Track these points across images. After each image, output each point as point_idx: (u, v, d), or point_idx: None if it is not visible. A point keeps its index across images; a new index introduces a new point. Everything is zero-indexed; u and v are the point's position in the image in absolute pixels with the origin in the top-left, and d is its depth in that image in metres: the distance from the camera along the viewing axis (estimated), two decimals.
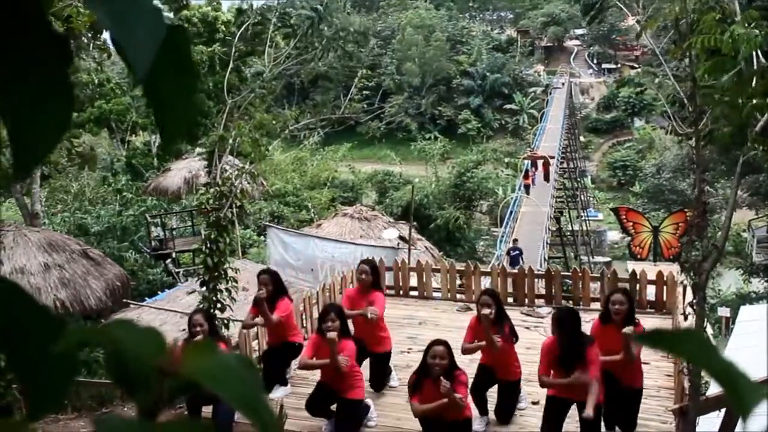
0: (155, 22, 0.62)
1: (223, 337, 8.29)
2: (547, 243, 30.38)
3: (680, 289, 10.39)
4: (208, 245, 9.96)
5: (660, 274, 11.39)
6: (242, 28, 11.56)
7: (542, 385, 6.78)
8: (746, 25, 4.35)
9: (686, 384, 5.77)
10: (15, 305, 0.61)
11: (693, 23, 4.82)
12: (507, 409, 7.86)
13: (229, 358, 0.57)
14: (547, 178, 36.65)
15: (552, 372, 6.58)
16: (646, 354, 9.39)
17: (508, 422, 7.83)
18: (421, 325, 11.10)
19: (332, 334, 7.17)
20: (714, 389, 6.14)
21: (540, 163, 37.43)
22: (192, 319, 7.70)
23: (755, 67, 4.53)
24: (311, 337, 7.74)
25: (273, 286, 8.57)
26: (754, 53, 4.35)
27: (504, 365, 7.73)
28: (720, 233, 5.40)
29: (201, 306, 9.91)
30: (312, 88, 72.56)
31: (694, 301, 4.61)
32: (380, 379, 8.77)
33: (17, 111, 0.61)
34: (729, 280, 34.13)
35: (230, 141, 9.83)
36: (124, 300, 15.14)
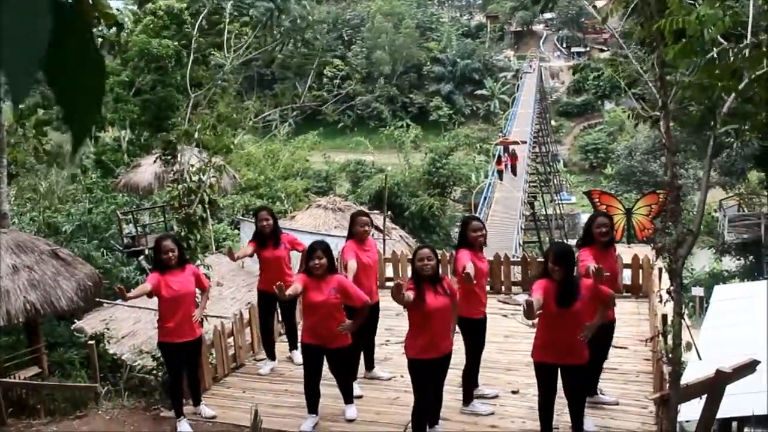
0: (41, 23, 0.51)
1: (189, 261, 8.30)
2: (521, 228, 30.42)
3: (656, 272, 10.41)
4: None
5: (635, 257, 11.41)
6: (199, 19, 11.33)
7: (528, 313, 6.25)
8: (712, 6, 4.31)
9: (665, 370, 5.74)
10: None
11: (659, 4, 4.76)
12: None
13: None
14: (514, 171, 36.11)
15: (543, 315, 6.46)
16: (625, 339, 9.42)
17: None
18: (398, 316, 10.97)
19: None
20: (692, 375, 6.13)
21: (510, 151, 36.98)
22: (162, 245, 7.73)
23: (720, 48, 4.49)
24: (297, 277, 7.64)
25: (273, 220, 8.99)
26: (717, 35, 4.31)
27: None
28: (693, 216, 5.37)
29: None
30: (281, 78, 72.08)
31: (672, 287, 4.57)
32: (374, 329, 8.77)
33: None
34: (701, 260, 34.50)
35: (195, 135, 9.67)
36: (97, 299, 14.91)
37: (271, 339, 9.39)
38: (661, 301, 5.18)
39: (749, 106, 4.74)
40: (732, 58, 4.43)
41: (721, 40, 4.60)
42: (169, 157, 9.87)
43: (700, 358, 5.66)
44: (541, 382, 6.72)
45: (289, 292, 7.30)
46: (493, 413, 7.72)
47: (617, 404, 7.67)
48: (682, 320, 4.57)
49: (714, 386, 5.06)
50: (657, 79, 4.39)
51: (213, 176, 9.98)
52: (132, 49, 30.66)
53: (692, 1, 4.39)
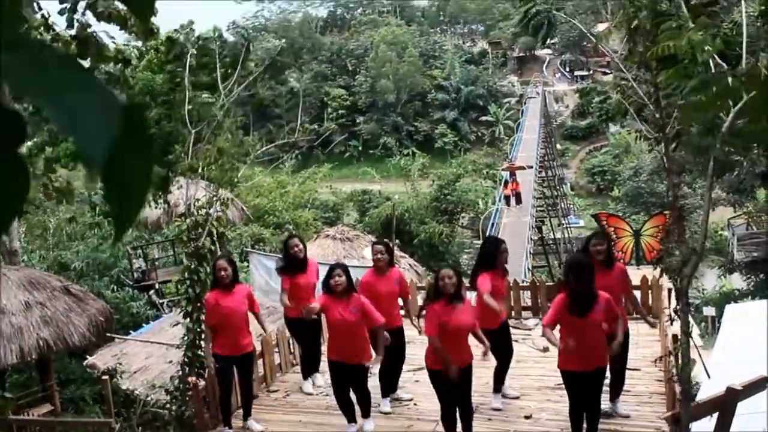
0: (108, 116, 0.58)
1: (240, 282, 8.82)
2: (530, 253, 30.35)
3: (665, 293, 10.42)
4: (188, 276, 9.88)
5: (644, 278, 11.41)
6: (187, 60, 11.60)
7: (545, 334, 6.93)
8: (701, 31, 4.40)
9: (677, 390, 5.76)
10: None
11: (650, 30, 4.85)
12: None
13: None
14: (519, 200, 35.15)
15: (562, 325, 6.82)
16: (637, 360, 9.41)
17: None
18: (410, 344, 11.01)
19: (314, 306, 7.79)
20: (704, 394, 6.14)
21: (511, 182, 35.86)
22: (216, 264, 8.46)
23: (713, 70, 4.57)
24: (319, 297, 8.04)
25: (303, 246, 9.34)
26: (710, 58, 4.39)
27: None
28: (698, 236, 5.41)
29: (185, 338, 9.83)
30: (276, 116, 72.34)
31: (678, 307, 4.61)
32: (401, 353, 8.79)
33: None
34: (712, 279, 34.36)
35: (199, 170, 9.83)
36: (108, 334, 14.97)
37: (311, 359, 9.57)
38: (668, 321, 5.22)
39: (751, 125, 4.80)
40: (729, 79, 4.49)
41: (719, 61, 4.68)
42: (160, 192, 10.02)
43: (708, 377, 5.69)
44: (569, 389, 7.02)
45: (310, 308, 7.75)
46: (518, 397, 8.40)
47: (629, 417, 7.79)
48: (690, 339, 4.60)
49: (725, 404, 5.08)
50: (653, 102, 4.47)
51: (219, 211, 10.09)
52: (135, 86, 30.93)
53: (682, 25, 4.48)
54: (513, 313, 12.06)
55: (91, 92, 0.60)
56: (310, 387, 9.38)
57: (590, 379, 6.82)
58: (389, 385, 8.85)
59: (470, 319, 7.13)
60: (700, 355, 5.13)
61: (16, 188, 0.62)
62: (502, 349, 8.24)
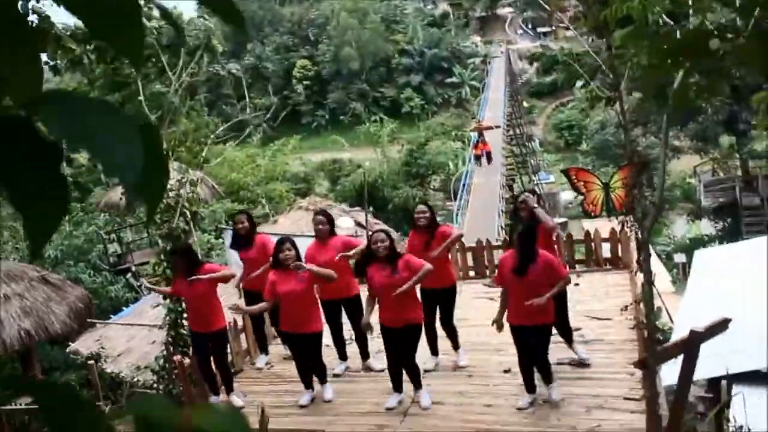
0: (135, 148, 0.75)
1: (200, 264, 8.84)
2: (502, 211, 30.62)
3: (634, 244, 10.70)
4: (164, 257, 10.01)
5: (613, 231, 11.68)
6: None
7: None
8: None
9: (646, 335, 6.01)
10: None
11: None
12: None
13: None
14: (489, 159, 35.38)
15: (508, 281, 7.32)
16: (609, 310, 9.70)
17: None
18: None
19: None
20: (676, 338, 6.39)
21: (480, 142, 36.03)
22: (235, 218, 9.59)
23: (666, 28, 4.72)
24: (270, 276, 8.06)
25: (249, 224, 9.41)
26: (660, 18, 4.55)
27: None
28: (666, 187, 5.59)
29: (167, 318, 9.97)
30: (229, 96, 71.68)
31: (641, 258, 4.82)
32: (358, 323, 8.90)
33: (22, 205, 0.74)
34: (682, 226, 34.98)
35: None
36: (89, 320, 15.05)
37: (262, 334, 9.84)
38: (632, 272, 5.44)
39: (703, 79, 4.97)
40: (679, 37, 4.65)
41: (668, 20, 4.83)
42: None
43: (672, 322, 5.94)
44: (515, 342, 7.45)
45: (262, 306, 8.24)
46: (467, 366, 8.57)
47: (589, 366, 8.10)
48: (654, 288, 4.82)
49: (689, 346, 5.33)
50: (608, 67, 4.63)
51: (189, 192, 10.20)
52: (96, 70, 30.55)
53: None
54: (487, 272, 12.30)
55: (118, 131, 0.75)
56: (263, 362, 9.60)
57: (533, 334, 7.22)
58: (361, 355, 9.04)
59: (395, 280, 7.35)
60: (663, 302, 5.36)
61: (57, 207, 0.77)
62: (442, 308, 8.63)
